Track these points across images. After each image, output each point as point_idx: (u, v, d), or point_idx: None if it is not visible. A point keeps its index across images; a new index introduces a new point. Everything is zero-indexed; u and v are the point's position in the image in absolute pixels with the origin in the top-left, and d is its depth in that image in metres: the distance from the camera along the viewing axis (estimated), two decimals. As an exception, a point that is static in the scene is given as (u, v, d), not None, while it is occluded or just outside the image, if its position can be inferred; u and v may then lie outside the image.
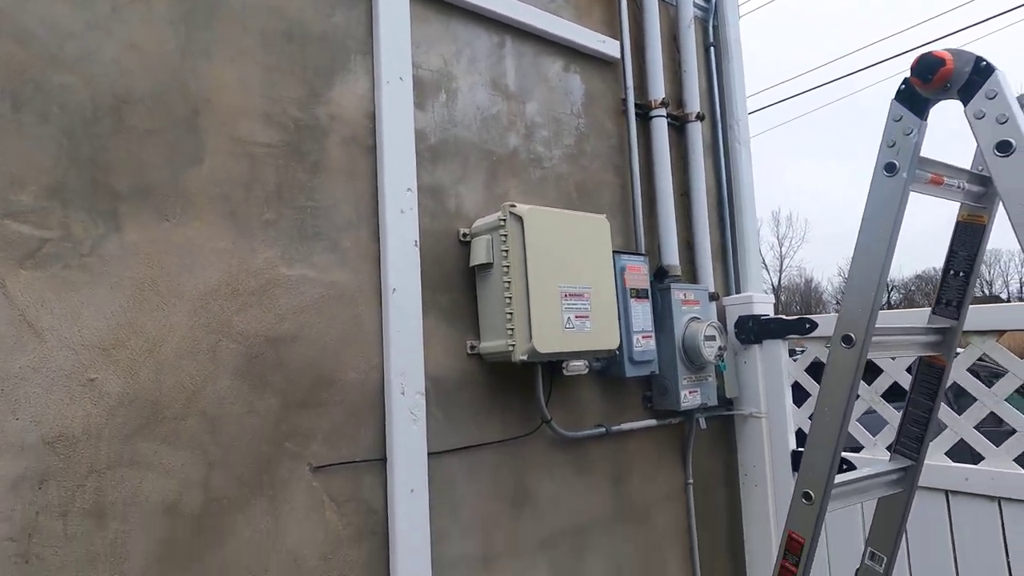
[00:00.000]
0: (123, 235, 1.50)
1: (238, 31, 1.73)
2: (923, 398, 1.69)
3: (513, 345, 1.98)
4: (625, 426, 2.44)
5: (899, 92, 1.33)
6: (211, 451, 1.56)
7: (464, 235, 2.13)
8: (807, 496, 1.54)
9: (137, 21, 1.58)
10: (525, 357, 1.95)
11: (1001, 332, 1.98)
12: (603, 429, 2.37)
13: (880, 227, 1.39)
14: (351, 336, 1.84)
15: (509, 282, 1.99)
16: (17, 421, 1.32)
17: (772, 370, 2.67)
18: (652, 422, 2.54)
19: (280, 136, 1.77)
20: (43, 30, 1.44)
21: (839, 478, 1.63)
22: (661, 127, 2.70)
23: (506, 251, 2.00)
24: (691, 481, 2.65)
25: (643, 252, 2.55)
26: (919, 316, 1.75)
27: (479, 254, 2.05)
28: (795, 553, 1.57)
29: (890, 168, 1.35)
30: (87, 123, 1.48)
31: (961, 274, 1.60)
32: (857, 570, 1.86)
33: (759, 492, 2.71)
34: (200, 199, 1.62)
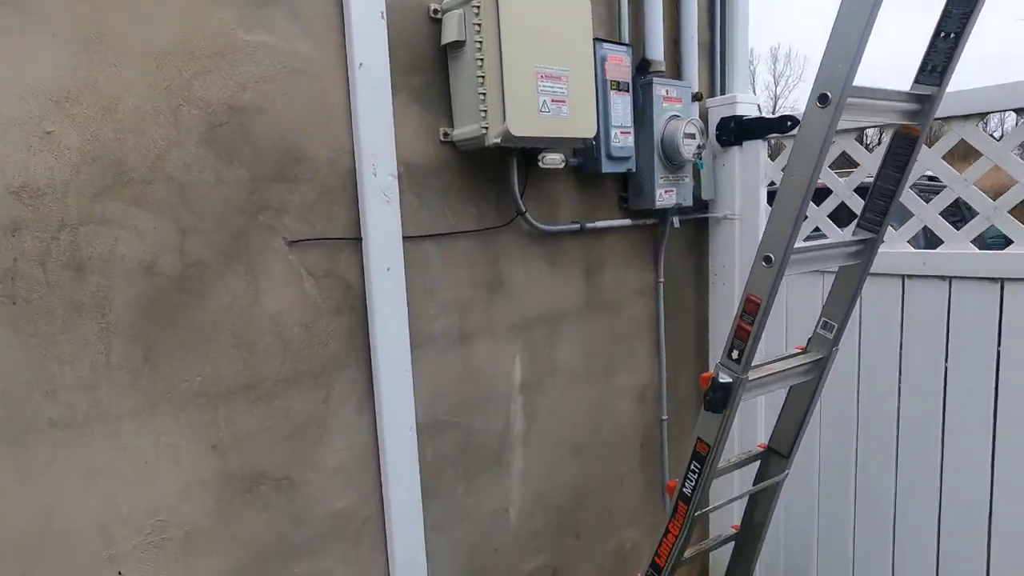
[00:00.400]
0: (60, -21, 1.38)
1: None
2: (893, 171, 1.71)
3: (486, 128, 1.93)
4: (600, 223, 2.48)
5: None
6: (183, 217, 1.57)
7: (435, 11, 2.00)
8: (767, 259, 1.60)
9: None
10: (499, 140, 1.91)
11: (984, 115, 1.96)
12: (578, 225, 2.41)
13: (870, -29, 1.31)
14: (318, 111, 1.78)
15: (482, 60, 1.90)
16: (-24, 168, 1.29)
17: (749, 171, 2.67)
18: (627, 221, 2.58)
19: None
20: None
21: (801, 245, 1.68)
22: (653, -99, 2.46)
23: (479, 26, 1.89)
24: (662, 280, 2.74)
25: (626, 42, 2.43)
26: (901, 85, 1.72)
27: (451, 31, 1.94)
28: (751, 313, 1.66)
29: None
30: None
31: (952, 35, 1.54)
32: (809, 339, 1.99)
33: (727, 291, 2.83)
34: (141, -55, 1.48)
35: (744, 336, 1.66)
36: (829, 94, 1.42)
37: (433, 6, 1.99)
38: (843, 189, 2.39)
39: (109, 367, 1.48)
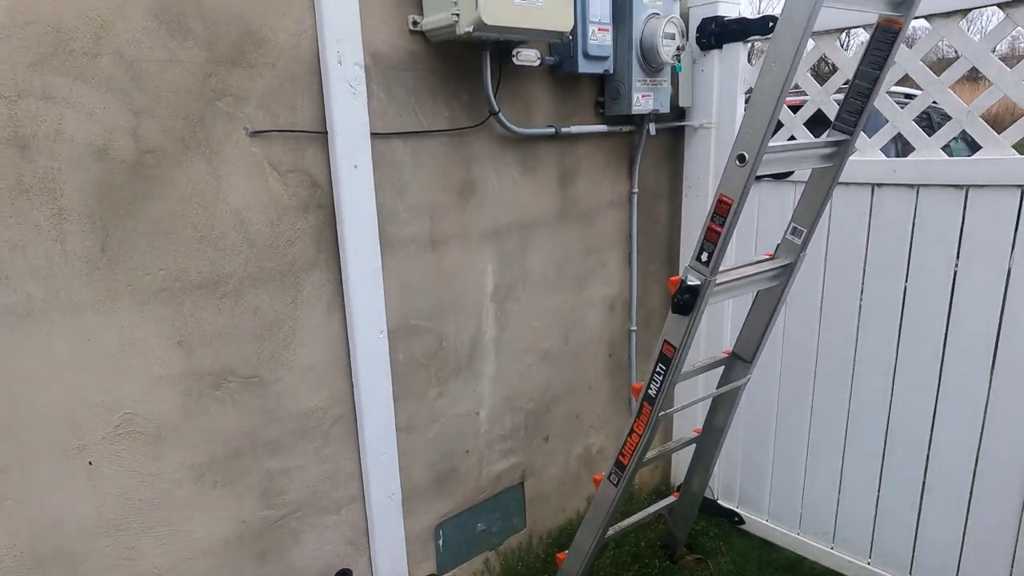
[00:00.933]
0: None
1: None
2: (871, 68, 1.68)
3: (458, 16, 1.83)
4: (575, 128, 2.42)
5: None
6: (135, 98, 1.48)
7: None
8: (741, 158, 1.58)
9: None
10: (471, 29, 1.82)
11: (965, 12, 1.92)
12: (553, 129, 2.35)
13: None
14: (279, -9, 1.67)
15: (454, -58, 1.79)
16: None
17: (728, 77, 2.61)
18: (603, 127, 2.52)
19: None
20: None
21: (775, 143, 1.67)
22: None
23: (451, -97, 1.76)
24: (636, 191, 2.72)
25: (606, -67, 2.30)
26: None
27: (421, -92, 1.81)
28: (722, 215, 1.65)
29: None
30: None
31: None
32: (778, 245, 2.00)
33: (700, 203, 2.82)
34: None
35: (714, 238, 1.66)
36: (812, -20, 1.37)
37: None
38: (820, 95, 2.36)
39: (65, 255, 1.43)
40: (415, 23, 1.95)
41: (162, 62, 1.50)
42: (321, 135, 1.81)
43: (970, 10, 1.89)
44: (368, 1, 1.82)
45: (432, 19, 1.92)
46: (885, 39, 1.63)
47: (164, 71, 1.51)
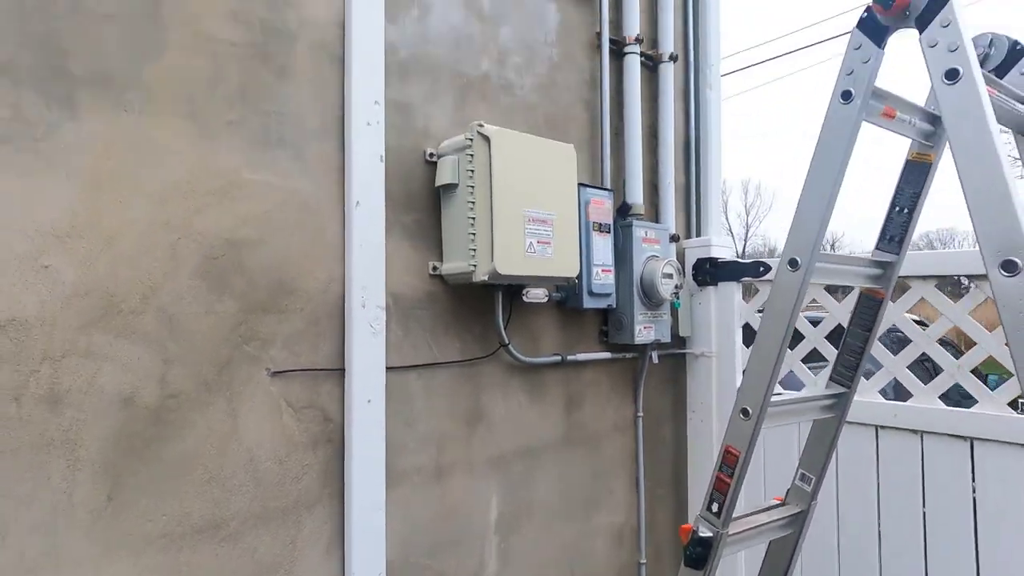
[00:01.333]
0: (80, 123, 1.46)
1: (203, -80, 1.66)
2: (860, 329, 1.79)
3: (475, 266, 2.00)
4: (580, 356, 2.51)
5: (861, 20, 1.36)
6: (169, 347, 1.57)
7: (431, 155, 2.12)
8: (745, 412, 1.63)
9: (95, -103, 1.50)
10: (486, 278, 1.98)
11: (941, 277, 2.09)
12: (559, 357, 2.44)
13: (832, 154, 1.44)
14: (313, 246, 1.84)
15: (473, 203, 2.00)
16: (-33, 300, 1.30)
17: (725, 311, 2.76)
18: (607, 355, 2.62)
19: (247, 35, 1.73)
20: None
21: (777, 398, 1.72)
22: (634, 65, 2.70)
23: (472, 171, 2.01)
24: (641, 414, 2.75)
25: (608, 187, 2.58)
26: (863, 254, 1.84)
27: (445, 174, 2.06)
28: (730, 465, 1.67)
29: (846, 96, 1.39)
30: (41, 0, 1.42)
31: (905, 211, 1.67)
32: (788, 490, 1.99)
33: (705, 427, 2.84)
34: (162, 93, 1.58)
35: (724, 489, 1.66)
36: (799, 259, 1.52)
37: (429, 150, 2.12)
38: (815, 335, 2.48)
39: (71, 507, 1.42)
40: (434, 268, 2.11)
41: (199, 314, 1.62)
42: (338, 372, 1.88)
43: (944, 276, 2.05)
44: (393, 251, 1.99)
45: (451, 266, 2.08)
46: (870, 305, 1.76)
47: (199, 322, 1.62)
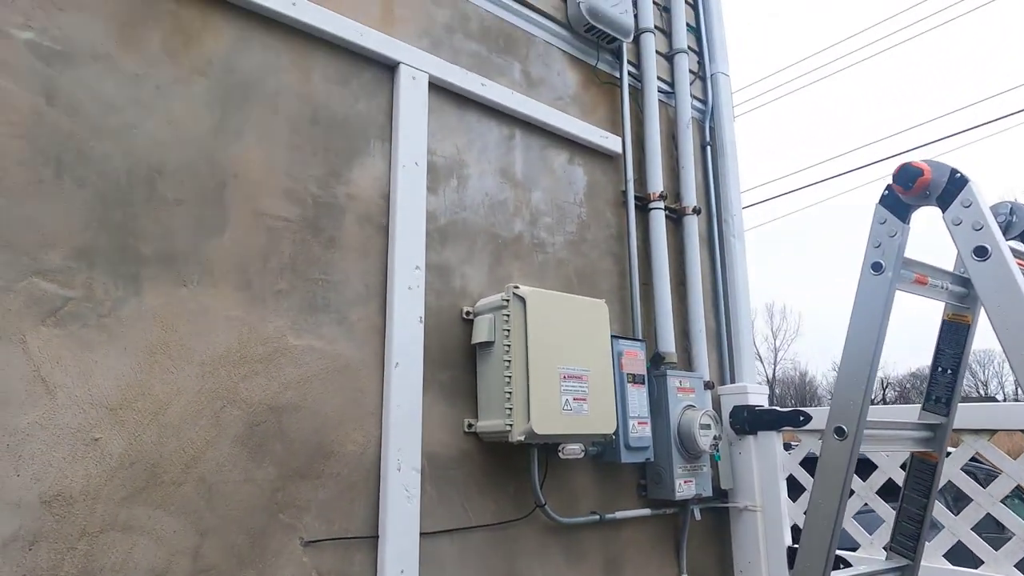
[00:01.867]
0: (142, 298, 1.56)
1: (268, 113, 1.86)
2: (917, 495, 1.71)
3: (511, 425, 1.99)
4: (619, 514, 2.41)
5: (883, 197, 1.43)
6: (205, 519, 1.55)
7: (467, 313, 2.19)
8: (803, 590, 1.52)
9: (177, 100, 1.70)
10: (523, 438, 1.96)
11: (993, 431, 2.01)
12: (597, 516, 2.35)
13: (868, 323, 1.45)
14: (352, 408, 1.86)
15: (509, 361, 2.03)
16: (18, 478, 1.32)
17: (767, 462, 2.67)
18: (646, 511, 2.51)
19: (299, 212, 1.87)
20: (91, 104, 1.56)
21: (837, 573, 1.62)
22: (659, 219, 2.82)
23: (508, 331, 2.05)
24: (685, 575, 2.58)
25: (640, 338, 2.61)
26: (911, 412, 1.79)
27: (481, 332, 2.11)
28: (794, 649, 1.53)
29: (876, 267, 1.43)
30: (121, 190, 1.57)
31: (949, 371, 1.65)
32: (857, 674, 1.80)
33: (755, 590, 2.64)
34: (219, 267, 1.69)
35: (787, 678, 1.52)
36: (845, 427, 1.48)
37: (466, 308, 2.19)
38: (865, 491, 2.37)
39: None
40: (469, 426, 2.11)
41: (238, 482, 1.61)
42: (371, 539, 1.82)
43: (996, 431, 1.98)
44: (429, 410, 2.00)
45: (486, 424, 2.08)
46: (923, 468, 1.69)
47: (237, 491, 1.61)
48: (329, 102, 2.00)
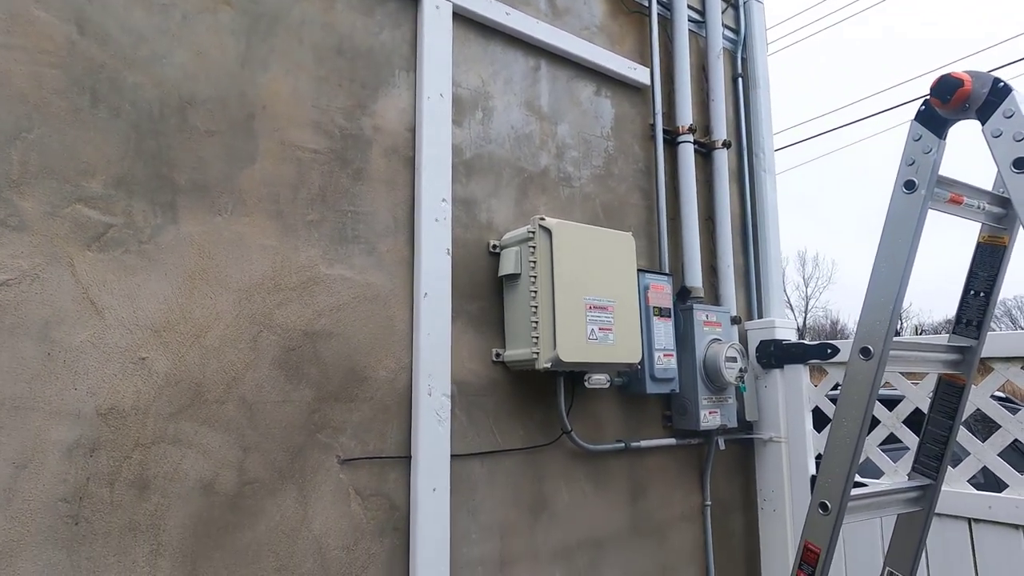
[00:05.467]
0: (179, 226, 1.61)
1: (294, 44, 1.86)
2: (942, 417, 1.71)
3: (537, 353, 2.03)
4: (644, 443, 2.47)
5: (919, 112, 1.39)
6: (247, 436, 1.64)
7: (494, 246, 2.21)
8: (823, 506, 1.56)
9: (204, 30, 1.71)
10: (548, 365, 2.00)
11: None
12: (622, 444, 2.40)
13: (899, 243, 1.44)
14: (383, 336, 1.92)
15: (535, 292, 2.06)
16: (76, 391, 1.41)
17: (793, 395, 2.68)
18: (671, 441, 2.56)
19: (327, 143, 1.88)
20: (120, 33, 1.58)
21: (857, 491, 1.65)
22: (688, 152, 2.78)
23: (534, 262, 2.07)
24: (709, 503, 2.65)
25: (667, 272, 2.61)
26: (939, 339, 1.78)
27: (508, 264, 2.13)
28: (811, 563, 1.58)
29: (909, 186, 1.40)
30: (154, 120, 1.60)
31: (981, 294, 1.63)
32: (875, 591, 1.85)
33: (777, 517, 2.70)
34: (251, 197, 1.73)
35: (805, 588, 1.57)
36: (871, 347, 1.49)
37: (493, 242, 2.21)
38: (892, 420, 2.37)
39: (152, 591, 1.46)
40: (497, 355, 2.15)
41: (276, 403, 1.69)
42: (404, 460, 1.90)
43: (1027, 358, 1.96)
44: (458, 339, 2.05)
45: (513, 353, 2.12)
46: (951, 391, 1.69)
47: (276, 411, 1.69)
48: (353, 32, 1.99)
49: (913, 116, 1.40)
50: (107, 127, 1.53)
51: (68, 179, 1.46)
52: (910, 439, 2.31)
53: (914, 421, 2.33)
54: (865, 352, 1.49)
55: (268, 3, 1.83)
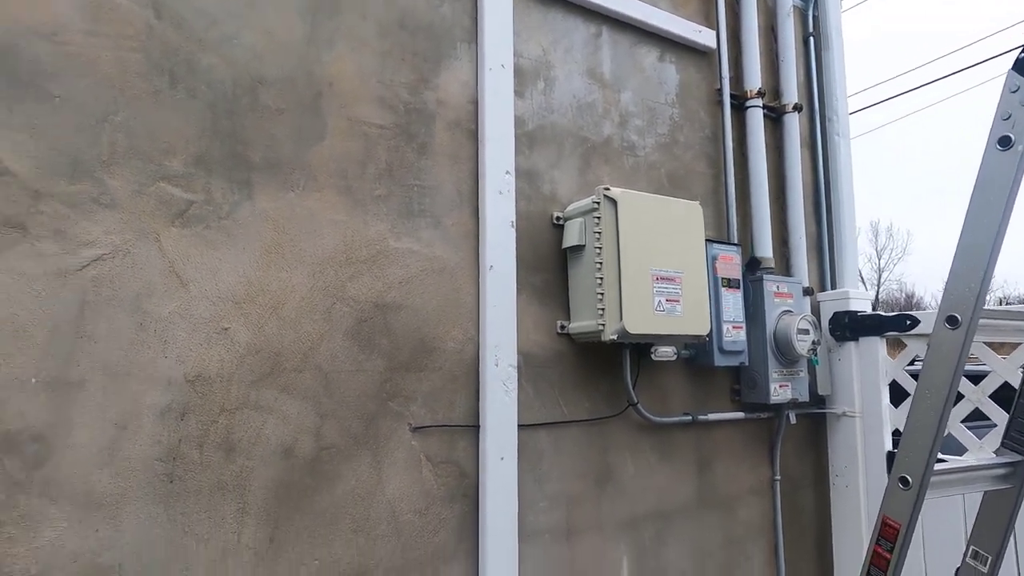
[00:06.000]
0: (255, 202, 1.67)
1: (357, 20, 1.88)
2: (1038, 389, 1.61)
3: (603, 325, 2.02)
4: (712, 416, 2.43)
5: (1017, 62, 1.29)
6: (324, 403, 1.70)
7: (558, 218, 2.20)
8: (904, 481, 1.51)
9: (271, 10, 1.75)
10: (615, 337, 1.99)
11: None
12: (689, 417, 2.38)
13: (991, 204, 1.35)
14: (450, 308, 1.95)
15: (601, 263, 2.04)
16: (166, 359, 1.49)
17: (868, 368, 2.58)
18: (740, 414, 2.51)
19: (392, 119, 1.91)
20: (194, 16, 1.63)
21: (941, 465, 1.58)
22: (756, 117, 2.68)
23: (599, 233, 2.05)
24: (778, 478, 2.60)
25: (736, 242, 2.54)
26: (1035, 305, 1.67)
27: (572, 236, 2.12)
28: (889, 539, 1.53)
29: (1004, 142, 1.31)
30: (228, 100, 1.66)
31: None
32: (958, 569, 1.79)
33: (850, 494, 2.63)
34: (321, 173, 1.77)
35: (883, 565, 1.52)
36: (958, 316, 1.41)
37: (556, 213, 2.20)
38: (977, 395, 2.25)
39: (239, 548, 1.55)
40: (562, 327, 2.16)
41: (350, 372, 1.75)
42: (473, 428, 1.94)
43: None
44: (523, 311, 2.06)
45: (578, 325, 2.12)
46: (1048, 362, 1.59)
47: (350, 380, 1.75)
48: (415, 5, 1.99)
49: (1011, 66, 1.30)
50: (185, 107, 1.60)
51: (152, 158, 1.54)
52: (997, 414, 2.19)
53: (1001, 397, 2.21)
54: (952, 321, 1.42)
55: (333, -20, 1.85)
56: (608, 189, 2.04)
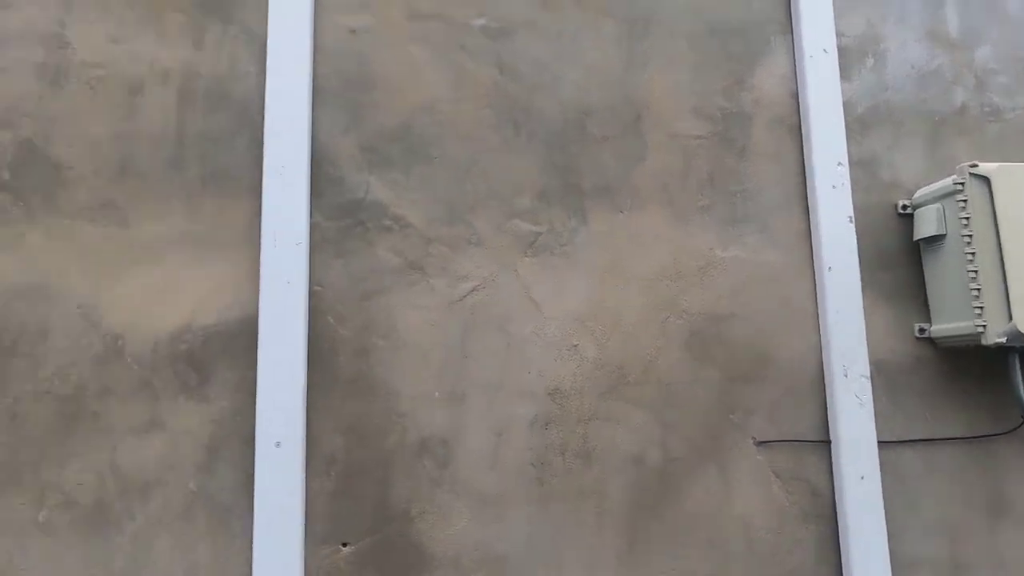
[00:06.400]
0: (589, 227, 1.79)
1: (667, 37, 1.92)
2: None
3: (983, 326, 1.71)
4: None
5: None
6: (666, 415, 1.74)
7: (904, 207, 1.94)
8: None
9: (589, 43, 1.88)
10: (1003, 340, 1.67)
11: None
12: (1116, 437, 1.87)
13: None
14: (784, 315, 1.84)
15: (973, 254, 1.73)
16: (528, 375, 1.68)
17: None
18: None
19: (709, 127, 1.89)
20: (526, 66, 1.83)
21: None
22: None
23: (966, 219, 1.75)
24: None
25: None
26: None
27: (927, 226, 1.84)
28: None
29: None
30: (559, 136, 1.82)
31: None
32: None
33: None
34: (644, 191, 1.83)
35: None
36: None
37: (901, 202, 1.94)
38: None
39: (602, 548, 1.65)
40: (921, 330, 1.88)
41: (687, 383, 1.76)
42: (822, 444, 1.79)
43: None
44: (870, 315, 1.85)
45: (943, 327, 1.82)
46: None
47: (688, 392, 1.76)
48: (725, 9, 1.96)
49: None
50: (527, 149, 1.79)
51: (505, 199, 1.76)
52: None
53: None
54: None
55: (640, 4, 1.92)
56: (975, 165, 1.73)
